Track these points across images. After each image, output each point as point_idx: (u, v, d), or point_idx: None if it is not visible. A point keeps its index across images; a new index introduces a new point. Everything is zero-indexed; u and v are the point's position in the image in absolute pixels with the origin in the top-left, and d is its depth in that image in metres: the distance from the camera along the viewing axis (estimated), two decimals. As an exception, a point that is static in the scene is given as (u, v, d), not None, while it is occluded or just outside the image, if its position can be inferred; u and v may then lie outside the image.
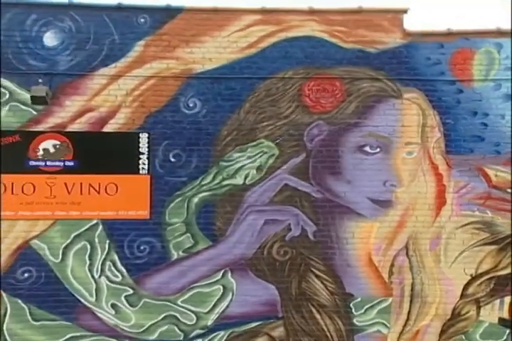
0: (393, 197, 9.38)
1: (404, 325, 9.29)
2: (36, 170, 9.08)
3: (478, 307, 9.31)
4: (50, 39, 9.15)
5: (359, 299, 9.27)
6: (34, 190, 9.08)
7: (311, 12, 9.44)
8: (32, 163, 9.08)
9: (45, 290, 8.98)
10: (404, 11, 9.49)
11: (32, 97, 8.86)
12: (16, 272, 8.96)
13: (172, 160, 9.29)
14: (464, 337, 9.28)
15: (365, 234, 9.33)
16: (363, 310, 9.28)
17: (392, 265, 9.33)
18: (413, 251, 9.35)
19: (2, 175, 8.98)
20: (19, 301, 8.93)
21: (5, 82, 9.03)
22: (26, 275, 8.98)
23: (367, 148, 9.40)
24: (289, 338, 9.23)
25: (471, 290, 9.31)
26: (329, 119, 9.41)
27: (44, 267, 9.02)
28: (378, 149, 9.41)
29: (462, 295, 9.30)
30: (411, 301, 9.31)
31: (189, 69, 9.32)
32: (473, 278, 9.33)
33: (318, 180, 9.37)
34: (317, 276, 9.30)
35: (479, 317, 9.30)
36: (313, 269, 9.31)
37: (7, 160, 8.98)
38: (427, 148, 9.43)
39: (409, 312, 9.30)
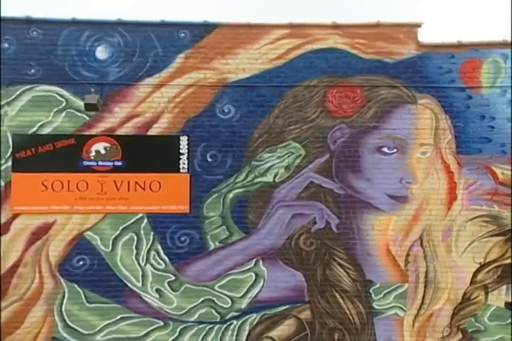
0: (409, 193, 10.30)
1: (419, 309, 10.19)
2: (89, 170, 10.12)
3: (487, 293, 10.20)
4: (101, 53, 10.19)
5: (378, 285, 10.20)
6: (87, 187, 10.13)
7: (334, 26, 10.40)
8: (85, 163, 10.13)
9: (98, 276, 10.01)
10: (418, 25, 10.42)
11: (85, 105, 9.90)
12: (72, 260, 10.00)
13: (209, 160, 10.29)
14: (473, 320, 10.17)
15: (384, 226, 10.25)
16: (381, 295, 10.19)
17: (407, 254, 10.24)
18: (427, 241, 10.26)
19: (59, 174, 10.04)
20: (75, 286, 9.97)
21: (62, 92, 10.08)
22: (81, 263, 10.03)
23: (385, 149, 10.34)
24: (315, 320, 10.17)
25: (479, 277, 10.21)
26: (350, 123, 10.36)
27: (96, 256, 10.06)
28: (395, 150, 10.34)
29: (472, 282, 10.19)
30: (425, 287, 10.22)
31: (224, 78, 10.32)
32: (482, 266, 10.22)
33: (341, 177, 10.33)
34: (340, 264, 10.25)
35: (487, 301, 10.19)
36: (336, 258, 10.25)
37: (63, 161, 10.03)
38: (440, 149, 10.35)
39: (423, 297, 10.20)
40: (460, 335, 10.15)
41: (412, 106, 10.35)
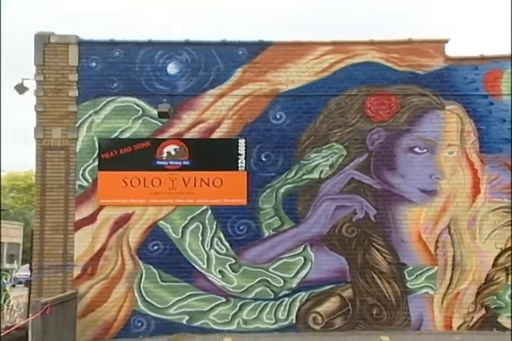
0: (438, 188, 11.76)
1: (447, 288, 11.62)
2: (161, 168, 11.82)
3: (507, 274, 11.60)
4: (171, 68, 11.90)
5: (411, 267, 11.65)
6: (160, 183, 11.82)
7: (372, 43, 11.93)
8: (158, 162, 11.84)
9: (170, 259, 11.67)
10: (446, 41, 11.90)
11: (158, 113, 11.60)
12: (148, 245, 11.69)
13: (263, 159, 11.89)
14: (495, 298, 11.57)
15: (416, 216, 11.72)
16: (414, 276, 11.64)
17: (437, 241, 11.70)
18: (454, 230, 11.71)
19: (137, 172, 11.74)
20: (151, 267, 11.67)
21: (139, 102, 11.81)
22: (155, 247, 11.72)
23: (416, 149, 11.83)
24: (356, 298, 11.67)
25: (501, 260, 11.63)
26: (386, 126, 11.87)
27: (168, 242, 11.73)
28: (425, 150, 11.82)
29: (494, 265, 11.61)
30: (452, 269, 11.65)
31: (276, 89, 11.93)
32: (503, 251, 11.63)
33: (378, 174, 11.84)
34: (378, 250, 11.75)
35: (508, 281, 11.60)
36: (374, 244, 11.75)
37: (140, 161, 11.75)
38: (465, 149, 11.80)
39: (451, 278, 11.63)
40: (484, 311, 11.57)
41: (441, 112, 11.83)
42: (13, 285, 11.24)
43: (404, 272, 11.66)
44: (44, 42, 11.62)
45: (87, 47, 11.76)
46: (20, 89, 11.54)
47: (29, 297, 11.29)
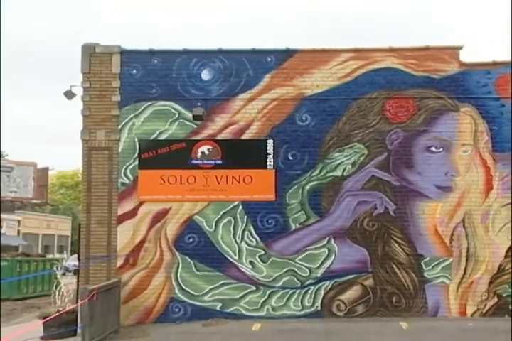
0: (453, 184, 12.62)
1: (462, 278, 12.46)
2: (196, 167, 12.81)
3: (518, 265, 12.45)
4: (205, 75, 12.88)
5: (428, 258, 12.51)
6: (195, 181, 12.80)
7: (391, 50, 12.81)
8: (193, 161, 12.83)
9: (204, 251, 12.66)
10: (460, 48, 12.74)
11: (193, 116, 12.59)
12: (184, 238, 12.68)
13: (290, 158, 12.81)
14: (507, 286, 12.39)
15: (432, 211, 12.58)
16: (431, 267, 12.49)
17: (452, 234, 12.54)
18: (468, 223, 12.54)
19: (173, 170, 12.72)
20: (187, 258, 12.66)
21: (175, 106, 12.80)
22: (191, 240, 12.71)
23: (433, 148, 12.68)
24: (376, 286, 12.54)
25: (512, 251, 12.47)
26: (404, 127, 12.72)
27: (203, 234, 12.72)
28: (441, 149, 12.67)
29: (506, 256, 12.43)
30: (467, 260, 12.48)
31: (302, 93, 12.85)
32: (514, 243, 12.48)
33: (397, 172, 12.71)
34: (397, 242, 12.61)
35: (519, 271, 12.44)
36: (393, 237, 12.61)
37: (177, 160, 12.74)
38: (478, 148, 12.63)
39: (465, 268, 12.46)
40: (496, 299, 12.40)
41: (455, 114, 12.68)
42: (63, 274, 12.22)
43: (422, 263, 12.51)
44: (90, 52, 12.70)
45: (128, 56, 12.80)
46: (69, 95, 12.65)
47: (77, 284, 12.34)
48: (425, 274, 12.51)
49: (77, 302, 11.36)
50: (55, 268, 12.67)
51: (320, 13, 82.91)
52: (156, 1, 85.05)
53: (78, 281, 12.47)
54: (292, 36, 79.06)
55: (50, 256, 33.61)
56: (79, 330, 11.02)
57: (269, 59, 12.89)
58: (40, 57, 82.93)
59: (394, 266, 12.58)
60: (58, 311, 11.58)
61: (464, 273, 12.49)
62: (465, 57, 12.73)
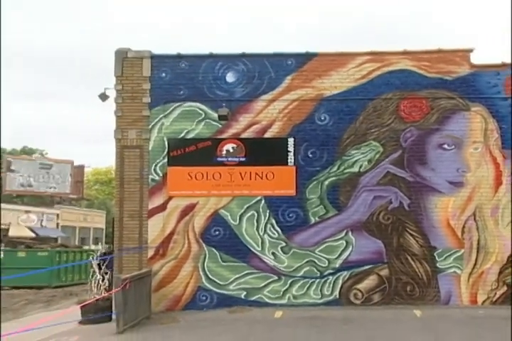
0: (464, 180, 13.24)
1: (473, 268, 13.07)
2: (221, 164, 13.56)
3: (526, 256, 13.05)
4: (229, 77, 13.63)
5: (440, 250, 13.14)
6: (220, 177, 13.56)
7: (405, 53, 13.46)
8: (218, 159, 13.58)
9: (229, 243, 13.40)
10: (471, 50, 13.36)
11: (219, 116, 13.35)
12: (210, 230, 13.44)
13: (310, 156, 13.51)
14: (515, 276, 13.05)
15: (444, 205, 13.21)
16: (443, 258, 13.12)
17: (463, 226, 13.16)
18: (479, 217, 13.16)
19: (200, 167, 13.49)
20: (213, 249, 13.43)
21: (202, 107, 13.57)
22: (217, 232, 13.47)
23: (445, 146, 13.32)
24: (392, 276, 13.19)
25: (521, 243, 13.08)
26: (418, 126, 13.37)
27: (228, 227, 13.47)
28: (453, 146, 13.31)
29: (514, 247, 13.08)
30: (477, 251, 13.09)
31: (321, 94, 13.55)
32: (523, 236, 13.08)
33: (411, 168, 13.35)
34: (411, 234, 13.26)
35: (527, 262, 13.04)
36: (408, 229, 13.26)
37: (203, 158, 13.51)
38: (488, 145, 13.24)
39: (476, 259, 13.07)
40: (505, 288, 13.00)
41: (466, 113, 13.30)
42: (99, 263, 13.04)
43: (435, 254, 13.15)
44: (122, 57, 13.51)
45: (158, 60, 13.60)
46: (103, 97, 13.49)
47: (112, 274, 13.18)
48: (438, 265, 13.13)
49: (111, 290, 12.07)
50: (90, 259, 13.50)
51: (322, 13, 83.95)
52: (154, 2, 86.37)
53: (112, 271, 13.29)
54: (293, 36, 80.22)
55: (86, 247, 35.55)
56: (113, 316, 11.77)
57: (289, 62, 13.59)
58: (69, 62, 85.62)
59: (408, 257, 13.21)
60: (94, 298, 12.47)
61: (475, 264, 13.08)
62: (477, 59, 13.38)
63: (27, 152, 55.25)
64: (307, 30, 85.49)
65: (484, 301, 13.00)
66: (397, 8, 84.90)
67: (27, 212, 43.06)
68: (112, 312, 12.14)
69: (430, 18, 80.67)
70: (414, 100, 13.39)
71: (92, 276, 13.03)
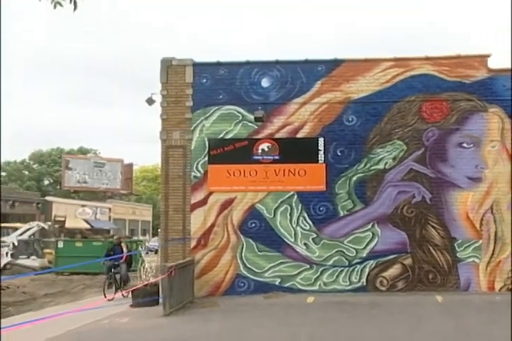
0: (482, 176, 14.16)
1: (490, 257, 13.99)
2: (257, 162, 14.70)
3: (540, 246, 13.97)
4: (264, 82, 14.76)
5: (460, 241, 14.11)
6: (256, 174, 14.70)
7: (427, 58, 14.46)
8: (255, 157, 14.72)
9: (264, 234, 14.54)
10: (488, 56, 14.29)
11: (255, 118, 14.49)
12: (247, 223, 14.59)
13: (339, 154, 14.58)
14: (531, 265, 13.97)
15: (464, 199, 14.17)
16: (463, 248, 14.09)
17: (482, 219, 14.09)
18: (496, 210, 14.06)
19: (238, 165, 14.65)
20: (250, 240, 14.58)
21: (239, 109, 14.73)
22: (253, 225, 14.61)
23: (464, 144, 14.26)
24: (415, 265, 14.16)
25: (535, 235, 14.01)
26: (439, 126, 14.34)
27: (263, 220, 14.61)
28: (472, 145, 14.24)
29: (529, 239, 14.00)
30: (495, 242, 14.02)
31: (349, 97, 14.62)
32: (537, 228, 14.00)
33: (432, 165, 14.32)
34: (432, 226, 14.23)
35: (541, 252, 13.96)
36: (430, 222, 14.23)
37: (240, 156, 14.66)
38: (505, 143, 14.14)
39: (493, 249, 14.00)
40: (520, 276, 13.98)
41: (484, 114, 14.24)
42: (147, 253, 14.35)
43: (455, 244, 14.12)
44: (167, 65, 14.77)
45: (199, 67, 14.83)
46: (150, 101, 14.79)
47: (158, 262, 14.43)
48: (458, 254, 14.08)
49: (158, 277, 13.21)
50: (139, 248, 14.79)
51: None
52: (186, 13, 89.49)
53: (159, 259, 14.53)
54: (317, 44, 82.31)
55: (135, 238, 38.96)
56: (161, 300, 12.91)
57: (319, 68, 14.69)
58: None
59: (430, 247, 14.17)
60: (143, 284, 13.71)
61: (492, 254, 14.00)
62: (494, 64, 14.33)
63: (83, 152, 61.95)
64: (329, 40, 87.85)
65: (501, 288, 13.90)
66: (413, 18, 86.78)
67: (83, 206, 48.65)
68: (159, 296, 13.30)
69: (446, 28, 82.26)
70: (435, 102, 14.34)
71: (141, 264, 14.30)
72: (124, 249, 16.48)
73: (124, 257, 16.21)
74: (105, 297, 15.17)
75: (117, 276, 16.13)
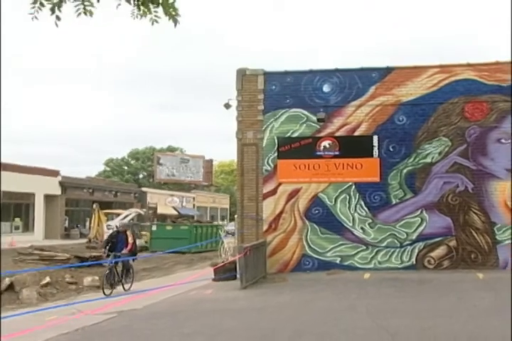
0: (519, 168, 15.96)
1: None
2: (320, 157, 16.81)
3: None
4: (326, 88, 16.87)
5: (499, 225, 15.85)
6: (319, 167, 16.84)
7: (468, 65, 16.30)
8: (318, 153, 16.85)
9: (326, 219, 16.65)
10: (523, 61, 16.21)
11: (317, 119, 16.66)
12: (312, 210, 16.71)
13: (391, 149, 16.55)
14: (561, 246, 15.71)
15: (502, 188, 15.92)
16: (501, 231, 15.84)
17: (519, 206, 15.98)
18: (532, 197, 15.91)
19: (303, 160, 16.78)
20: (314, 225, 16.71)
21: (304, 112, 16.90)
22: (317, 211, 16.74)
23: (502, 140, 16.00)
24: (459, 247, 15.98)
25: None
26: (480, 124, 16.15)
27: (325, 207, 16.73)
28: (509, 140, 15.97)
29: (561, 222, 15.74)
30: None
31: (399, 100, 16.60)
32: None
33: (474, 158, 16.12)
34: (474, 213, 16.04)
35: None
36: (472, 208, 16.04)
37: (305, 152, 16.81)
38: (538, 139, 15.95)
39: None
40: (552, 256, 15.71)
41: (520, 113, 16.05)
42: (225, 235, 16.44)
43: (494, 228, 15.85)
44: (242, 74, 17.05)
45: (269, 76, 17.05)
46: (227, 106, 17.15)
47: (235, 243, 16.67)
48: (497, 237, 15.80)
49: (235, 256, 15.18)
50: (220, 232, 17.11)
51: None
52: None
53: (236, 241, 16.78)
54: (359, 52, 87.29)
55: (215, 223, 45.39)
56: (238, 276, 14.85)
57: (373, 74, 16.73)
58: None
59: (472, 231, 15.93)
60: (223, 262, 15.94)
61: (529, 237, 15.71)
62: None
63: (171, 149, 72.04)
64: (369, 48, 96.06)
65: (535, 266, 15.61)
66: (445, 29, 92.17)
67: (171, 195, 58.01)
68: (236, 272, 15.30)
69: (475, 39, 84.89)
70: (476, 103, 16.09)
71: (221, 245, 16.64)
72: (129, 239, 15.21)
73: (129, 247, 15.13)
74: (104, 294, 14.31)
75: (118, 269, 15.19)
